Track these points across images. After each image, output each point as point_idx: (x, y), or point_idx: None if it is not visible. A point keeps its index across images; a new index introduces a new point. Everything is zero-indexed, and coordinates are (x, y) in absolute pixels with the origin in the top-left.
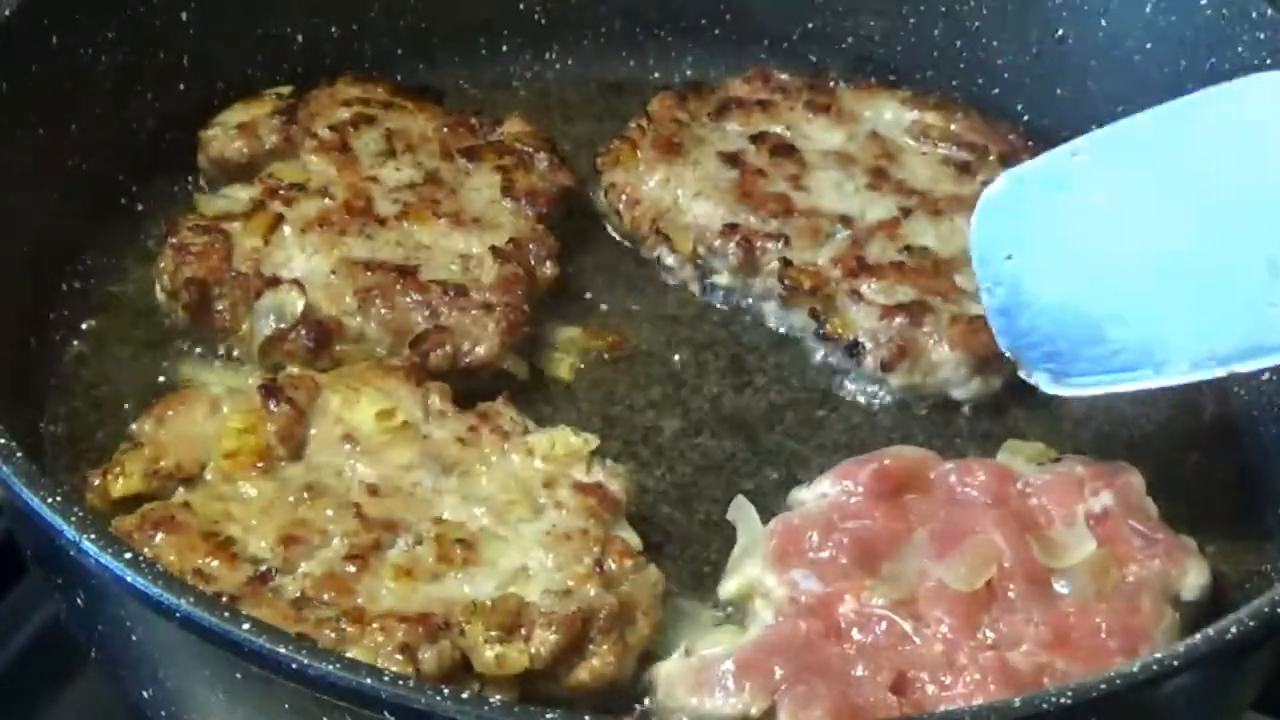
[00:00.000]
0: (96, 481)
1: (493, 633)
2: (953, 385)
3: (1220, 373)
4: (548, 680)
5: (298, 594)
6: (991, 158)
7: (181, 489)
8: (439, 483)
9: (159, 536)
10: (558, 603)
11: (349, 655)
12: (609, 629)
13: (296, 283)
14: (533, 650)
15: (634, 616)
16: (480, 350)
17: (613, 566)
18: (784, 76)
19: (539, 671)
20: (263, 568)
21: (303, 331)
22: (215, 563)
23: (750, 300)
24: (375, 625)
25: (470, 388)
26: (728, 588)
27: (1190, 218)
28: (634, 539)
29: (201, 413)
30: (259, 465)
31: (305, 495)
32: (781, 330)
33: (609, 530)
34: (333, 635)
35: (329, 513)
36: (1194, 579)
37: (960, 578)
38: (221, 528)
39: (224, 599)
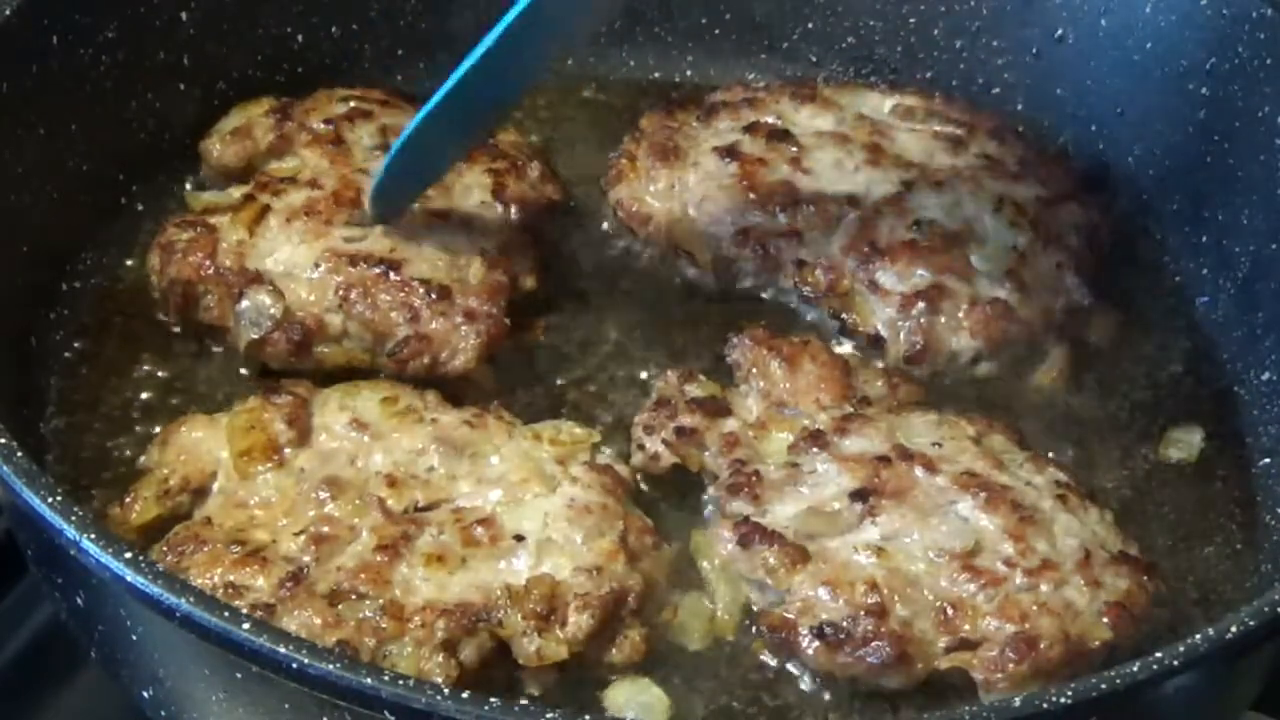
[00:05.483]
0: (116, 512)
1: (531, 622)
2: (969, 368)
3: None
4: (581, 666)
5: (334, 588)
6: (980, 133)
7: (200, 506)
8: (453, 466)
9: (187, 556)
10: (590, 583)
11: (393, 665)
12: (638, 610)
13: (274, 286)
14: (568, 635)
15: (658, 596)
16: (458, 362)
17: (634, 544)
18: (761, 83)
19: (574, 656)
20: (294, 567)
21: (285, 333)
22: (248, 570)
23: (771, 292)
24: (416, 621)
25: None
26: None
27: None
28: (646, 519)
29: (201, 428)
30: (274, 458)
31: (325, 490)
32: (810, 318)
33: (626, 508)
34: (373, 641)
35: (351, 506)
36: None
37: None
38: (248, 535)
39: (260, 606)
